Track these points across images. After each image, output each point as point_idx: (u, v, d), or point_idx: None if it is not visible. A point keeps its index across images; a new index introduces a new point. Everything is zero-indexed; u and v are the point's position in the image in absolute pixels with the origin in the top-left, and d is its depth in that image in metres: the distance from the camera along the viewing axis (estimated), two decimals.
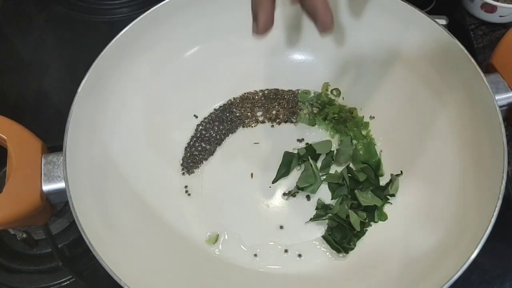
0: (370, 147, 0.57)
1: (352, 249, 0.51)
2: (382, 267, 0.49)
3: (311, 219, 0.54)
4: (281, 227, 0.54)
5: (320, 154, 0.57)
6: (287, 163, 0.57)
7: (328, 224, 0.53)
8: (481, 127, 0.48)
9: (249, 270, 0.51)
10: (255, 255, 0.52)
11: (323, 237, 0.52)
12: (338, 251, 0.51)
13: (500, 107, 0.47)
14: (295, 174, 0.57)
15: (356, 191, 0.53)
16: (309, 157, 0.56)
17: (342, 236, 0.51)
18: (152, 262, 0.48)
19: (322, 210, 0.54)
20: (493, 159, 0.46)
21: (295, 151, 0.57)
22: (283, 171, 0.56)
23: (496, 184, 0.44)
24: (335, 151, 0.57)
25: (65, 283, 0.55)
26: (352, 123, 0.59)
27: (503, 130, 0.46)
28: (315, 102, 0.61)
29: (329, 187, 0.55)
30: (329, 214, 0.53)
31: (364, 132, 0.58)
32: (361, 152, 0.57)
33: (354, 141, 0.58)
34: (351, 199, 0.54)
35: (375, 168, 0.55)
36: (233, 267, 0.51)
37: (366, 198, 0.53)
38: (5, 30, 0.77)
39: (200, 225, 0.54)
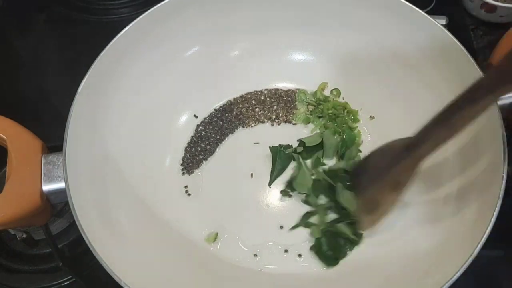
0: (350, 133, 0.57)
1: (343, 257, 0.51)
2: (382, 267, 0.49)
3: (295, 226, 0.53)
4: (281, 227, 0.54)
5: (313, 152, 0.57)
6: (274, 157, 0.56)
7: (313, 235, 0.52)
8: (481, 127, 0.48)
9: (249, 270, 0.51)
10: (255, 255, 0.52)
11: (311, 249, 0.52)
12: (327, 264, 0.50)
13: (500, 107, 0.47)
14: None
15: (338, 184, 0.52)
16: (300, 156, 0.56)
17: (332, 246, 0.51)
18: (152, 262, 0.48)
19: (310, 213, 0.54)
20: (493, 159, 0.46)
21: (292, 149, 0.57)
22: (275, 171, 0.56)
23: (496, 184, 0.44)
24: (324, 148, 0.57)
25: (65, 283, 0.55)
26: (341, 118, 0.58)
27: (503, 130, 0.46)
28: (310, 100, 0.61)
29: (315, 185, 0.54)
30: (314, 223, 0.53)
31: (353, 125, 0.58)
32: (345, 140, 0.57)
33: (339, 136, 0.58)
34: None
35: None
36: (233, 267, 0.51)
37: (346, 197, 0.52)
38: (5, 30, 0.77)
39: (200, 225, 0.54)
